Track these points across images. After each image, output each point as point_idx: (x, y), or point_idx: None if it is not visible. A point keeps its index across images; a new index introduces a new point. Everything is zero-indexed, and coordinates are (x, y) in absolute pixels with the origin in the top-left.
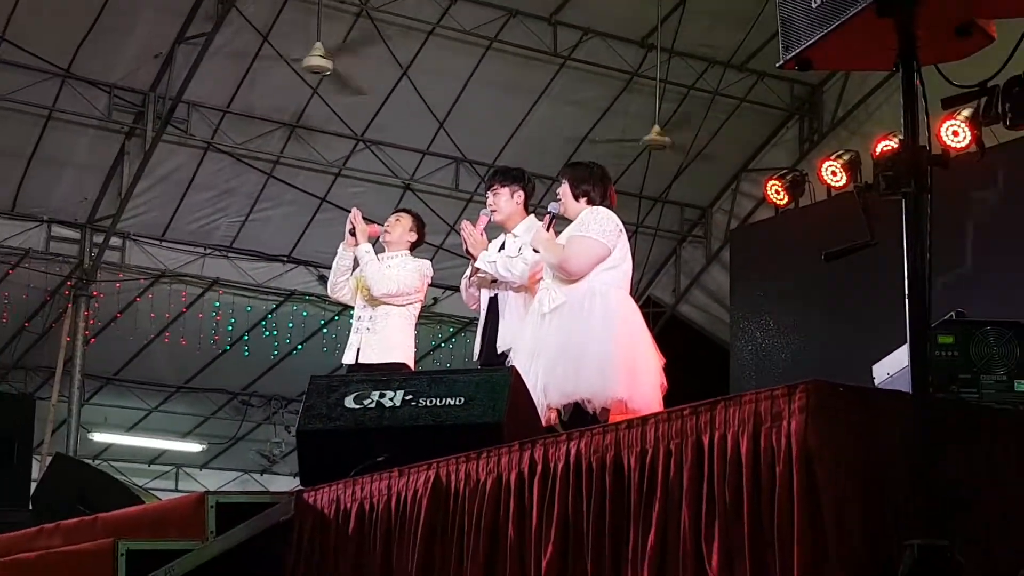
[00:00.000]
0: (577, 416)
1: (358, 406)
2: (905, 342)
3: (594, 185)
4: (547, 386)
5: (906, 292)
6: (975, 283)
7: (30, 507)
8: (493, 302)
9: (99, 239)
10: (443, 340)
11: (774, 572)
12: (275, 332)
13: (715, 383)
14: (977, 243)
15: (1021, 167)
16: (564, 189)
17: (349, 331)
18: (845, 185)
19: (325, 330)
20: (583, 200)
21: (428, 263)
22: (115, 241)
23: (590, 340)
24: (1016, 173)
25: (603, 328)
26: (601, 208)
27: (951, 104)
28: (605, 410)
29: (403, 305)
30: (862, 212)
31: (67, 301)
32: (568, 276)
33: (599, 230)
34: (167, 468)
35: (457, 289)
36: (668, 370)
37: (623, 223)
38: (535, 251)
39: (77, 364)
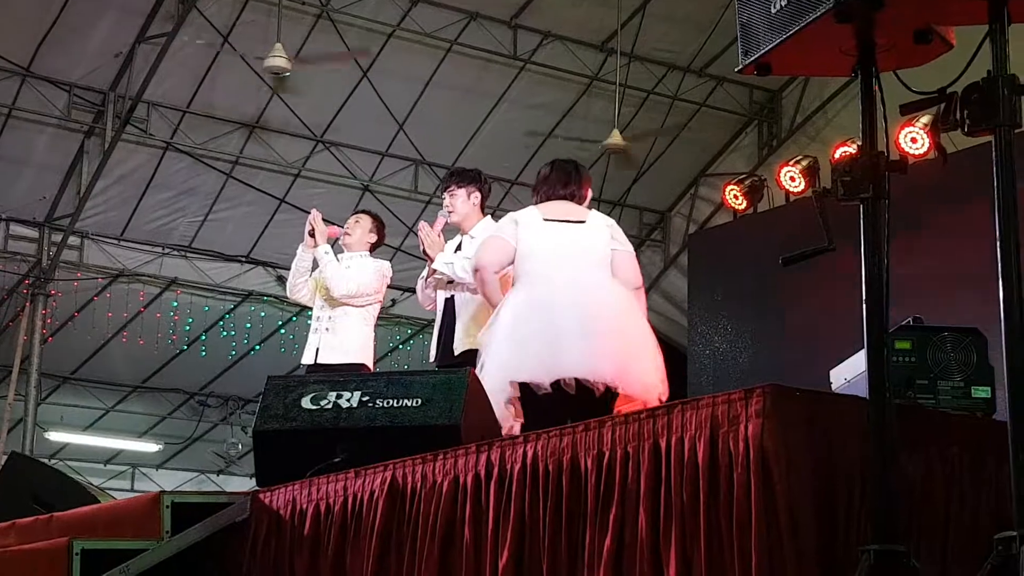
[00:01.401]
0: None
1: (315, 407)
2: (863, 347)
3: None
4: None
5: (863, 297)
6: (932, 289)
7: None
8: (449, 303)
9: (57, 238)
10: (401, 342)
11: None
12: (233, 332)
13: (673, 387)
14: (933, 249)
15: (978, 173)
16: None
17: (307, 332)
18: (804, 191)
19: (283, 331)
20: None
21: (388, 264)
22: (73, 240)
23: None
24: (973, 179)
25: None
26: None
27: (909, 110)
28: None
29: (362, 306)
30: (820, 217)
31: (24, 300)
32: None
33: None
34: (123, 468)
35: (415, 290)
36: None
37: None
38: None
39: (34, 363)
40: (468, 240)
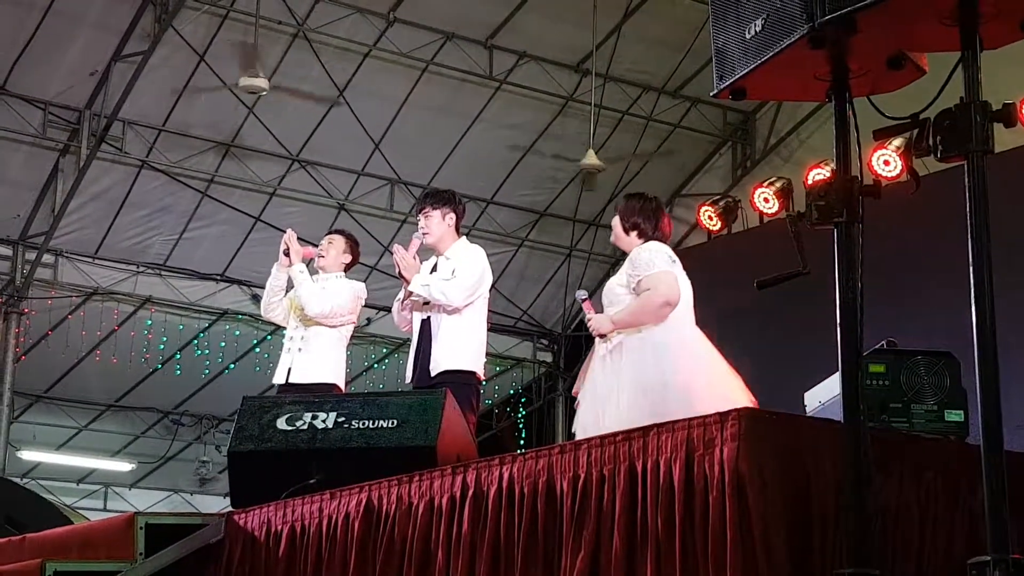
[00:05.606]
0: None
1: (290, 427)
2: (837, 370)
3: (646, 218)
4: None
5: (838, 321)
6: (905, 312)
7: None
8: (426, 324)
9: (31, 256)
10: (376, 360)
11: None
12: (207, 351)
13: None
14: (907, 272)
15: (950, 197)
16: (615, 221)
17: (281, 351)
18: (777, 212)
19: (257, 349)
20: (634, 233)
21: (363, 285)
22: (47, 258)
23: (667, 376)
24: (944, 203)
25: (677, 364)
26: (653, 242)
27: (883, 136)
28: None
29: (336, 326)
30: (794, 240)
31: None
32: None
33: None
34: (96, 487)
35: (390, 310)
36: None
37: (556, 247)
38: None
39: (7, 381)
40: (444, 261)
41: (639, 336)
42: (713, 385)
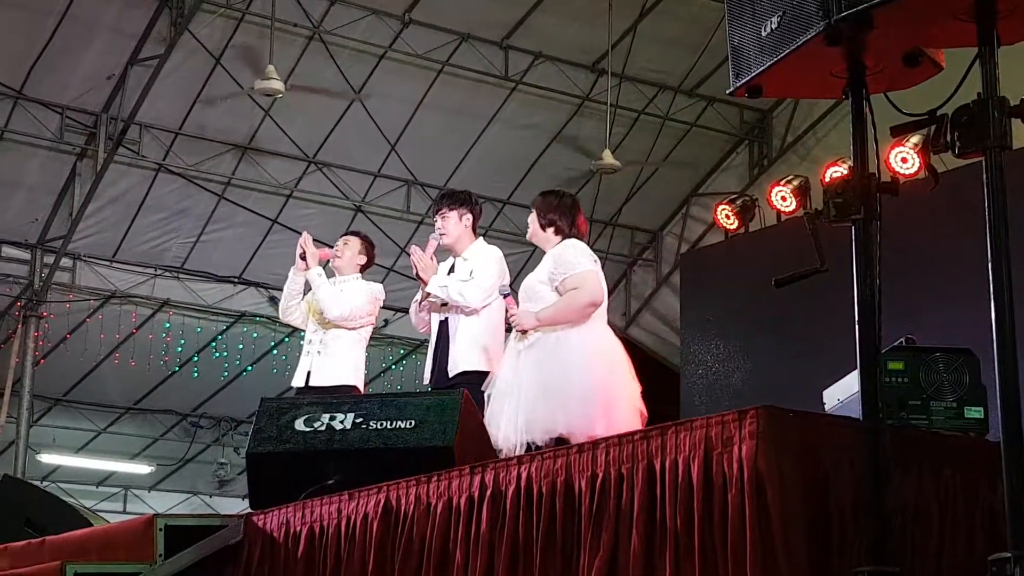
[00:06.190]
0: None
1: (308, 429)
2: (855, 368)
3: (562, 214)
4: (529, 422)
5: (856, 318)
6: (924, 309)
7: None
8: (443, 325)
9: (49, 260)
10: (393, 362)
11: None
12: (225, 353)
13: (665, 407)
14: (925, 269)
15: (968, 193)
16: (532, 218)
17: (299, 352)
18: (795, 210)
19: (275, 351)
20: (550, 230)
21: (380, 287)
22: (65, 262)
23: (570, 375)
24: (963, 200)
25: (582, 362)
26: (574, 240)
27: (900, 132)
28: None
29: (355, 328)
30: (812, 238)
31: (16, 322)
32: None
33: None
34: (115, 490)
35: (408, 311)
36: None
37: None
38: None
39: (26, 385)
40: (461, 262)
41: (555, 335)
42: (625, 384)
